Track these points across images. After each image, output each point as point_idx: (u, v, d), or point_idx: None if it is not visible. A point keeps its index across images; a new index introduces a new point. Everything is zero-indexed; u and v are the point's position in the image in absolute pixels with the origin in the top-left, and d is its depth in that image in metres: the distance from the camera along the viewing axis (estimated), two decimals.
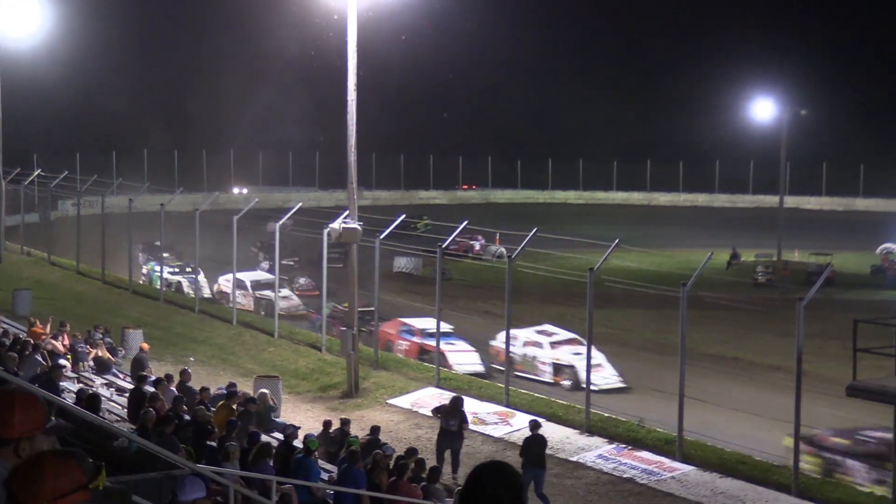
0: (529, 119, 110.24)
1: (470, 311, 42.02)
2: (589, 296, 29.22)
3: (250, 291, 44.45)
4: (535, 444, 24.59)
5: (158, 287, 45.91)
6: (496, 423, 29.22)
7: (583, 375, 30.96)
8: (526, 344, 36.01)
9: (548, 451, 27.02)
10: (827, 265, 44.42)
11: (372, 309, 36.25)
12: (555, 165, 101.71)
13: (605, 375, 33.54)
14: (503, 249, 43.61)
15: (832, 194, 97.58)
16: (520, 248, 32.40)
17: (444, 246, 34.20)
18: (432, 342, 34.92)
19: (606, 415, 30.01)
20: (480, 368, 35.63)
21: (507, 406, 30.02)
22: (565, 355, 35.10)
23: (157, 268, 46.99)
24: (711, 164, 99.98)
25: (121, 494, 8.77)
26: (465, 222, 34.67)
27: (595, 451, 27.53)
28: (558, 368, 35.12)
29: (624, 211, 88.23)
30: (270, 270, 44.72)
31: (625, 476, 26.11)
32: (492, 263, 45.48)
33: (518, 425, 29.04)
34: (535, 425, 25.35)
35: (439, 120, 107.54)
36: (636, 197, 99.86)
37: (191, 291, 45.19)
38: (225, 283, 45.14)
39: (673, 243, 62.92)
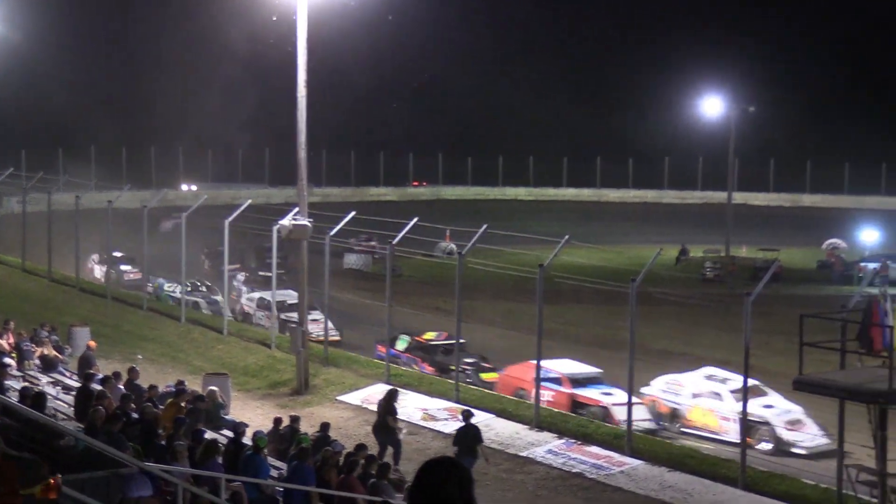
0: (480, 116, 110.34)
1: (421, 307, 42.00)
2: (539, 292, 29.33)
3: (275, 312, 39.04)
4: (467, 434, 24.82)
5: (177, 306, 41.43)
6: (446, 420, 29.26)
7: (783, 434, 27.93)
8: (697, 395, 30.27)
9: (497, 447, 27.19)
10: (774, 261, 44.76)
11: (454, 342, 32.38)
12: (505, 162, 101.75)
13: (811, 434, 28.25)
14: (453, 246, 43.61)
15: (779, 190, 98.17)
16: (470, 245, 32.46)
17: (394, 242, 34.19)
18: (588, 392, 30.79)
19: (556, 410, 30.16)
20: (652, 425, 29.69)
21: (458, 402, 30.07)
22: (755, 409, 27.95)
23: (168, 286, 44.59)
24: (661, 161, 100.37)
25: None
26: (416, 219, 34.66)
27: (545, 447, 27.64)
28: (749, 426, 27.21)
29: (574, 207, 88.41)
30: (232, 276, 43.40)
31: (574, 471, 26.23)
32: (442, 260, 45.48)
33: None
34: (467, 415, 25.73)
35: (390, 117, 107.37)
36: (586, 193, 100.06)
37: (209, 313, 42.47)
38: (248, 303, 42.97)
39: (622, 239, 63.19)
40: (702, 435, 29.35)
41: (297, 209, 33.26)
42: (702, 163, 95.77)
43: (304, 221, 32.91)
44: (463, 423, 25.22)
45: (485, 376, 33.20)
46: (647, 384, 30.52)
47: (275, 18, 34.46)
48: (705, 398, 29.77)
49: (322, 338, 35.93)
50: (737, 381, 28.11)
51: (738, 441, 26.01)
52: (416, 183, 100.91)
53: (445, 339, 34.66)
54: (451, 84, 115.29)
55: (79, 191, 48.61)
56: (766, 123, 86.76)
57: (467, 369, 33.12)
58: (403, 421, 27.89)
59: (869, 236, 67.24)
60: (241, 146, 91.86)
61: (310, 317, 36.26)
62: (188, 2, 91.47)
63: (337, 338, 37.62)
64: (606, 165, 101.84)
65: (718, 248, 63.10)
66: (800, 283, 52.04)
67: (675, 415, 29.55)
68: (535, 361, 29.71)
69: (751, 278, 45.30)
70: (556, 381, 30.99)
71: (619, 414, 28.65)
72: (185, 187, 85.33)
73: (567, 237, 31.24)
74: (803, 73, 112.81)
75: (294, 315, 36.85)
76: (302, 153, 32.71)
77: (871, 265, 56.80)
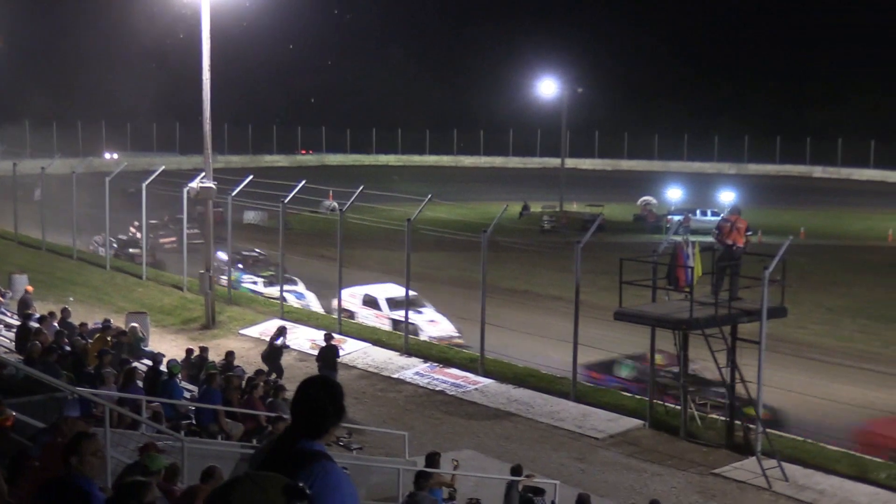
0: (358, 94, 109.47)
1: (309, 255, 41.77)
2: (407, 241, 29.35)
3: (385, 311, 32.54)
4: (328, 353, 25.03)
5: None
6: (341, 351, 29.17)
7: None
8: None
9: (373, 370, 27.28)
10: (599, 215, 45.43)
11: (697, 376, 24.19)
12: (378, 133, 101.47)
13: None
14: (335, 204, 43.32)
15: (603, 157, 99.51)
16: (349, 203, 32.29)
17: (286, 201, 33.85)
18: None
19: (422, 339, 30.31)
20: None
21: (340, 334, 30.02)
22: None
23: (245, 277, 37.05)
24: (506, 133, 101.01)
25: None
26: (304, 182, 34.32)
27: (413, 370, 27.75)
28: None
29: (435, 172, 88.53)
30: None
31: (437, 389, 26.40)
32: (326, 216, 45.15)
33: (349, 349, 29.12)
34: (328, 337, 25.91)
35: (281, 93, 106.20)
36: (445, 160, 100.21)
37: (301, 305, 34.48)
38: (350, 299, 33.19)
39: (475, 198, 63.44)
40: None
41: (203, 174, 32.82)
42: (540, 134, 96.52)
43: (210, 184, 32.51)
44: (325, 343, 25.41)
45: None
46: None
47: (184, 9, 33.79)
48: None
49: (445, 341, 30.28)
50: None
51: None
52: (303, 151, 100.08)
53: (675, 364, 23.74)
54: (335, 63, 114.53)
55: (15, 159, 47.27)
56: (592, 101, 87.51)
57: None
58: (294, 350, 28.04)
59: (674, 194, 68.66)
60: (155, 119, 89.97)
61: (422, 315, 31.47)
62: None
63: (460, 340, 30.48)
64: (462, 136, 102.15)
65: (554, 205, 63.76)
66: (620, 232, 52.83)
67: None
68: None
69: (580, 229, 45.86)
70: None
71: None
72: (108, 156, 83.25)
73: (430, 196, 31.28)
74: (623, 59, 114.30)
75: (405, 312, 30.17)
76: (207, 126, 32.20)
77: (677, 217, 58.00)
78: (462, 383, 26.62)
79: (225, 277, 35.62)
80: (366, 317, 32.80)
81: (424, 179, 71.37)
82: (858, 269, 46.66)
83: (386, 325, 31.80)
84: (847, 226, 62.30)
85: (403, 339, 29.12)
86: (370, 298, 33.14)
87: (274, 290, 34.65)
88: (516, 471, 16.89)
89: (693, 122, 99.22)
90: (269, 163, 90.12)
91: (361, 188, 32.24)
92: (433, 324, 31.45)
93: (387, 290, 33.42)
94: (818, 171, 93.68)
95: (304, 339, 29.72)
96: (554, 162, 79.41)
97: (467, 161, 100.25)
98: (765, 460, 20.87)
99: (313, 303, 34.72)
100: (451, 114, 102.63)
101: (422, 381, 26.92)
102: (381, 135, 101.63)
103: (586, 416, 24.15)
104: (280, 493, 3.67)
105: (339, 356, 25.58)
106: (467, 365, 27.64)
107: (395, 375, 27.41)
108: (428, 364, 28.03)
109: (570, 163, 76.70)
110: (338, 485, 4.63)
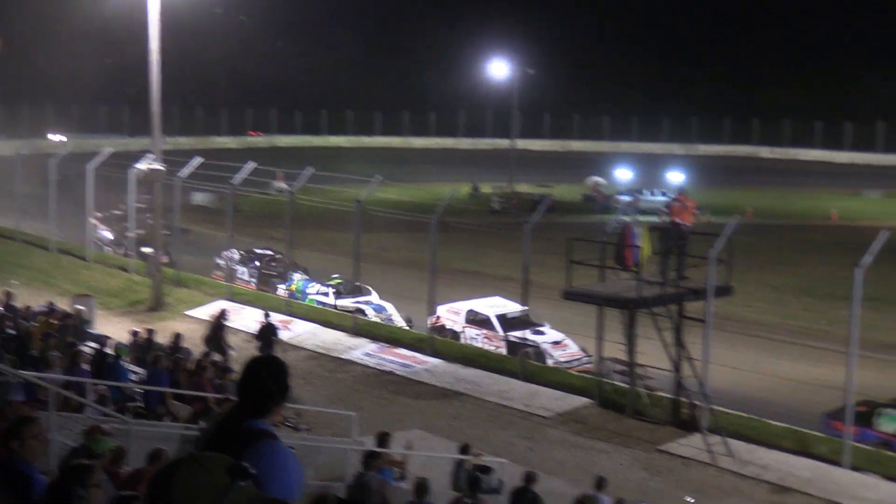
0: (308, 74, 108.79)
1: (258, 237, 41.51)
2: (356, 223, 29.33)
3: (499, 332, 27.76)
4: (266, 331, 25.31)
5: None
6: (280, 329, 29.12)
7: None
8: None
9: (321, 351, 27.28)
10: (548, 195, 45.55)
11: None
12: (329, 115, 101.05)
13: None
14: (285, 185, 43.07)
15: (553, 138, 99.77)
16: (298, 184, 32.16)
17: (235, 183, 33.64)
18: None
19: (371, 319, 30.30)
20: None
21: (290, 315, 29.99)
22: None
23: (312, 287, 32.29)
24: (457, 114, 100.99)
25: None
26: (254, 165, 34.08)
27: (361, 350, 27.77)
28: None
29: (386, 153, 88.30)
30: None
31: (385, 369, 26.45)
32: (275, 197, 44.89)
33: (298, 331, 29.09)
34: (266, 315, 26.29)
35: (231, 75, 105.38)
36: (396, 141, 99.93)
37: (379, 320, 30.40)
38: (452, 316, 28.79)
39: (426, 179, 63.41)
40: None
41: (151, 155, 32.57)
42: (490, 115, 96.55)
43: (158, 166, 32.26)
44: (264, 321, 25.59)
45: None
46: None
47: None
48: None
49: (575, 368, 26.19)
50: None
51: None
52: (252, 133, 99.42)
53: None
54: (284, 46, 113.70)
55: None
56: (543, 82, 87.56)
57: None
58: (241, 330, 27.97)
59: (623, 175, 69.03)
60: (103, 101, 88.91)
61: (544, 336, 27.30)
62: None
63: (589, 366, 25.80)
64: (412, 117, 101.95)
65: (504, 186, 63.89)
66: (569, 213, 53.00)
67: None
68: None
69: (530, 210, 45.94)
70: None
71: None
72: (54, 138, 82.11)
73: (379, 177, 31.25)
74: (573, 41, 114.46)
75: (522, 332, 27.31)
76: (156, 107, 31.92)
77: (625, 198, 58.38)
78: (411, 363, 26.67)
79: (243, 278, 34.35)
80: (473, 337, 28.25)
81: (375, 161, 71.12)
82: (803, 248, 47.22)
83: (500, 348, 27.45)
84: (792, 205, 63.01)
85: (351, 320, 29.11)
86: (479, 317, 28.57)
87: (348, 302, 30.70)
88: (464, 450, 16.98)
89: (642, 103, 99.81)
90: (219, 145, 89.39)
91: (311, 169, 32.11)
92: (559, 346, 26.99)
93: (496, 306, 28.91)
94: (765, 152, 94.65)
95: (250, 321, 29.64)
96: (504, 143, 79.44)
97: (418, 142, 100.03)
98: (710, 437, 21.13)
99: (395, 316, 30.66)
100: (401, 95, 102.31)
101: (370, 362, 26.94)
102: (331, 116, 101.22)
103: (535, 395, 24.30)
104: (224, 472, 3.64)
105: (276, 334, 25.66)
106: (416, 345, 27.68)
107: (344, 356, 27.41)
108: (377, 344, 28.05)
109: (521, 144, 76.82)
110: (283, 463, 4.63)
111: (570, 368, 26.03)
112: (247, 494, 3.64)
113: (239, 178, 33.49)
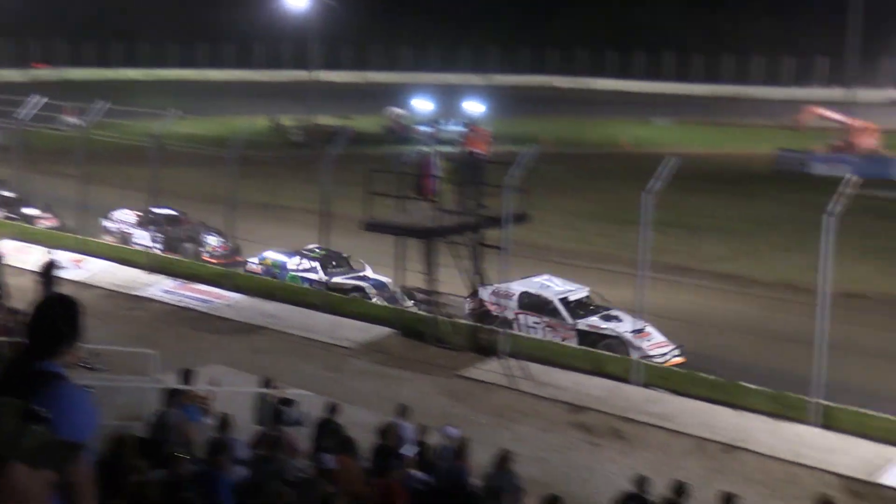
0: (97, 4, 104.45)
1: (48, 173, 39.94)
2: (153, 157, 28.70)
3: (567, 319, 23.27)
4: (48, 268, 24.67)
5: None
6: (70, 268, 28.27)
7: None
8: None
9: (118, 290, 26.76)
10: (348, 127, 45.50)
11: None
12: (122, 47, 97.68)
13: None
14: (76, 120, 41.54)
15: (352, 69, 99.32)
16: (92, 118, 31.18)
17: (22, 118, 32.33)
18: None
19: (171, 257, 29.81)
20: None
21: (82, 253, 29.24)
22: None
23: (293, 263, 27.71)
24: (255, 45, 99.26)
25: None
26: (34, 97, 32.68)
27: (159, 287, 27.38)
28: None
29: (181, 87, 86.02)
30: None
31: (185, 305, 26.17)
32: (66, 133, 43.25)
33: (93, 269, 28.44)
34: (47, 254, 25.77)
35: (11, 1, 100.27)
36: (191, 74, 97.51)
37: (379, 300, 25.96)
38: (499, 300, 23.36)
39: (224, 112, 62.28)
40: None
41: None
42: (288, 47, 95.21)
43: None
44: (46, 260, 25.04)
45: None
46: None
47: None
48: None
49: (667, 362, 21.93)
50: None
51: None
52: (36, 64, 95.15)
53: None
54: None
55: None
56: (341, 13, 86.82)
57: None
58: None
59: (423, 105, 69.41)
60: None
61: (622, 324, 22.84)
62: None
63: (680, 359, 22.17)
64: (211, 48, 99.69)
65: (303, 118, 63.34)
66: (369, 144, 53.00)
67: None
68: None
69: (329, 141, 45.77)
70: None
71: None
72: None
73: (175, 111, 30.59)
74: None
75: (595, 320, 23.15)
76: None
77: (425, 128, 58.84)
78: (211, 299, 26.45)
79: (142, 243, 30.73)
80: (531, 326, 23.59)
81: (170, 94, 69.24)
82: (597, 175, 48.73)
83: (567, 339, 23.04)
84: (586, 134, 64.77)
85: (146, 256, 28.57)
86: (537, 300, 23.90)
87: (343, 279, 26.94)
88: (266, 383, 17.02)
89: (441, 33, 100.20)
90: (2, 78, 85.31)
91: (104, 104, 31.16)
92: (641, 336, 22.24)
93: (555, 287, 24.21)
94: (560, 81, 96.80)
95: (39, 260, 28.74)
96: (303, 75, 78.60)
97: (214, 75, 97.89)
98: (508, 360, 21.79)
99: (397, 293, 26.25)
100: (198, 25, 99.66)
101: (169, 299, 26.59)
102: (124, 48, 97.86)
103: (338, 327, 24.48)
104: (16, 417, 3.60)
105: (57, 270, 24.83)
106: (217, 280, 27.43)
107: (141, 293, 26.94)
108: (176, 281, 27.65)
109: (320, 76, 76.18)
110: (77, 405, 4.58)
111: (666, 363, 21.89)
112: (40, 438, 3.61)
113: (26, 112, 32.18)
